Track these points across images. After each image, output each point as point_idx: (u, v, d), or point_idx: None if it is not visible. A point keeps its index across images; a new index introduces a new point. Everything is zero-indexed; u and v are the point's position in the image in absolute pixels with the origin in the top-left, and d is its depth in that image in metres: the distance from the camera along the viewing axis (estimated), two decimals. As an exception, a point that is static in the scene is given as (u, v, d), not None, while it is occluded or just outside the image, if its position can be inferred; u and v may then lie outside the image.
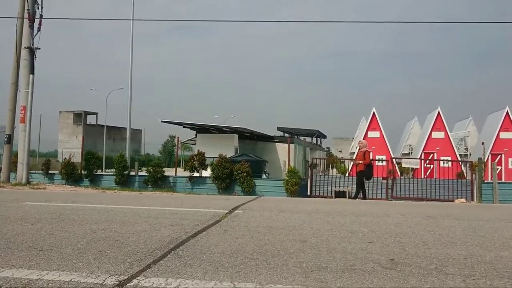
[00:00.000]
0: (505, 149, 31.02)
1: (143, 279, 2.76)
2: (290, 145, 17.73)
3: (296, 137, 35.88)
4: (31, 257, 3.26)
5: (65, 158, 19.17)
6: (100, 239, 3.99)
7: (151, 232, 4.37)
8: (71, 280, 2.71)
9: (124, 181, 16.09)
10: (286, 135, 35.21)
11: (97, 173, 17.42)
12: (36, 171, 18.51)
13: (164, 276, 2.82)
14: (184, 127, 24.01)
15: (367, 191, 13.00)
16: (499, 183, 14.34)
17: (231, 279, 2.79)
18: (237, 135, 22.90)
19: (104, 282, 2.67)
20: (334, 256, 3.46)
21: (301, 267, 3.10)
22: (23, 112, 13.97)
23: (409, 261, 3.32)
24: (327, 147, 59.47)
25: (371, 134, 32.76)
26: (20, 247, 3.60)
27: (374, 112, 33.13)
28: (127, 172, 16.51)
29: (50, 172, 17.69)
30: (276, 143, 23.95)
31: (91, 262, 3.15)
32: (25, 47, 13.96)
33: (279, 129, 38.72)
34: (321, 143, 48.78)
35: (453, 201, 13.32)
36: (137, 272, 2.92)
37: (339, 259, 3.34)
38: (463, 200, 13.46)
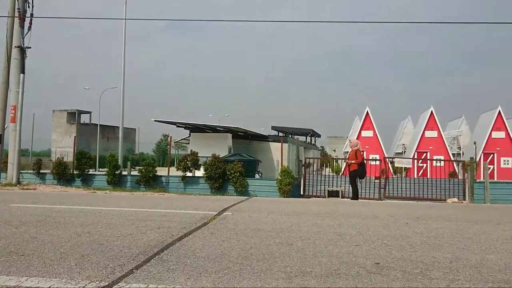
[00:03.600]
0: (497, 149, 31.19)
1: (123, 285, 2.72)
2: (284, 144, 17.68)
3: (290, 136, 35.84)
4: (11, 262, 3.21)
5: (57, 157, 19.02)
6: (84, 243, 3.94)
7: (136, 235, 4.32)
8: (50, 286, 2.67)
9: (116, 181, 15.97)
10: (281, 134, 35.16)
11: (89, 173, 17.26)
12: (28, 171, 18.33)
13: (146, 282, 2.78)
14: (177, 126, 23.91)
15: (359, 190, 12.99)
16: (491, 182, 14.37)
17: (214, 284, 2.76)
18: (231, 135, 22.83)
19: (83, 289, 2.63)
20: (320, 260, 3.43)
21: (285, 271, 3.07)
22: (13, 111, 13.84)
23: (394, 265, 3.30)
24: (321, 146, 59.57)
25: (365, 133, 32.84)
26: (2, 251, 3.54)
27: (367, 112, 33.21)
28: (119, 172, 16.39)
29: (41, 172, 17.51)
30: (270, 143, 23.91)
31: (73, 267, 3.10)
32: (15, 46, 13.82)
33: (273, 128, 38.62)
34: (315, 142, 48.75)
35: (445, 200, 13.34)
36: (119, 278, 2.88)
37: (324, 263, 3.32)
38: (455, 199, 13.48)
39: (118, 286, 2.71)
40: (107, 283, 2.75)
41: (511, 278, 3.00)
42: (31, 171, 17.83)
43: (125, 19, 23.71)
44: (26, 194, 9.95)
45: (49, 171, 17.66)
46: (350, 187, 12.42)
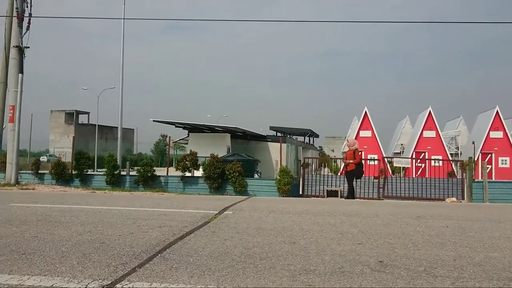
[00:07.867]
0: (495, 148, 31.25)
1: (126, 284, 2.70)
2: (282, 144, 17.68)
3: (288, 136, 35.86)
4: (13, 261, 3.18)
5: (56, 158, 18.96)
6: (86, 242, 3.91)
7: (138, 234, 4.30)
8: (52, 285, 2.65)
9: (115, 181, 15.94)
10: (279, 134, 35.17)
11: (88, 173, 17.22)
12: (26, 171, 18.28)
13: (149, 281, 2.76)
14: (176, 126, 23.85)
15: (358, 190, 13.00)
16: (489, 182, 14.39)
17: (217, 283, 2.74)
18: (229, 135, 22.80)
19: (87, 287, 2.61)
20: (323, 258, 3.42)
21: (289, 270, 3.06)
22: (12, 111, 13.80)
23: (398, 263, 3.29)
24: (320, 146, 59.62)
25: (363, 133, 32.81)
26: (2, 250, 3.52)
27: (366, 112, 33.18)
28: (117, 172, 16.35)
29: (40, 172, 17.46)
30: (269, 143, 23.89)
31: (75, 266, 3.08)
32: (14, 46, 13.78)
33: (271, 128, 38.64)
34: (313, 142, 48.85)
35: (444, 200, 13.37)
36: (121, 276, 2.86)
37: (328, 262, 3.30)
38: (454, 199, 13.51)
39: (121, 285, 2.68)
40: (110, 282, 2.73)
41: (515, 276, 2.99)
42: (30, 171, 17.77)
43: (124, 18, 23.68)
44: (25, 194, 9.91)
45: (48, 171, 17.62)
46: (347, 187, 12.41)
